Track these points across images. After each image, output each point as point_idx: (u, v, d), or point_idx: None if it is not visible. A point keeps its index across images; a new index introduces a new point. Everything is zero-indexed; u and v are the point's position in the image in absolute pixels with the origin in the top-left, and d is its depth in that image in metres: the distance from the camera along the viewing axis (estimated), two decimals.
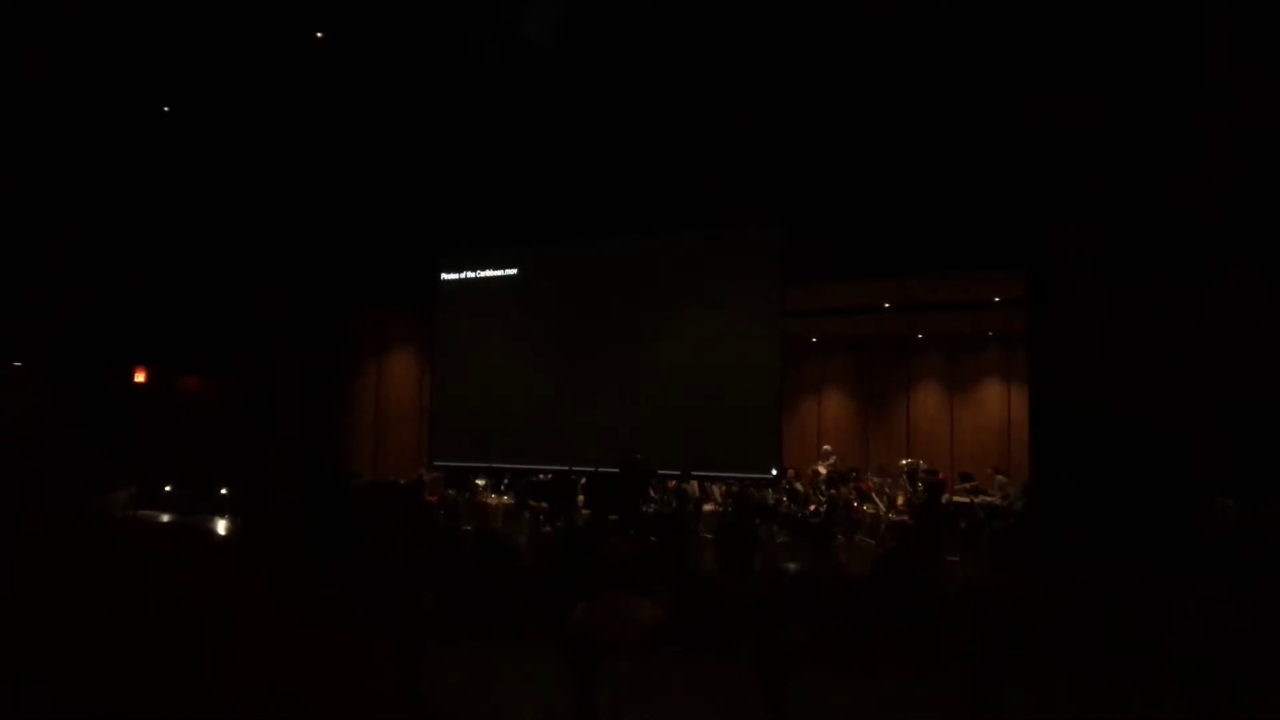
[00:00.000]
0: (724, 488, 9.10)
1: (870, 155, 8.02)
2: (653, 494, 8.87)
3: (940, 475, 9.31)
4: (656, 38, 7.56)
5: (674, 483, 8.99)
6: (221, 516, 7.93)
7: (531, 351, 9.89)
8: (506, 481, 9.66)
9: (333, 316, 10.92)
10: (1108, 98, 6.30)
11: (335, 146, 9.49)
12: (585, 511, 8.58)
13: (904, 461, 9.69)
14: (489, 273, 10.27)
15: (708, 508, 9.02)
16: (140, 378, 10.98)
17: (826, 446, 10.81)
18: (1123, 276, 6.41)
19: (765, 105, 8.08)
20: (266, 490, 8.66)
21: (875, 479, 9.53)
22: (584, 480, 8.88)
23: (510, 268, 10.20)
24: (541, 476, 9.29)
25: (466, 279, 10.44)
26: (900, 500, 9.00)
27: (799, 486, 9.26)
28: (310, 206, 10.17)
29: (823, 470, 9.94)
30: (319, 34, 7.55)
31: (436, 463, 10.27)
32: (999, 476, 9.32)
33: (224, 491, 8.78)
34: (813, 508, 8.92)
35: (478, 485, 9.65)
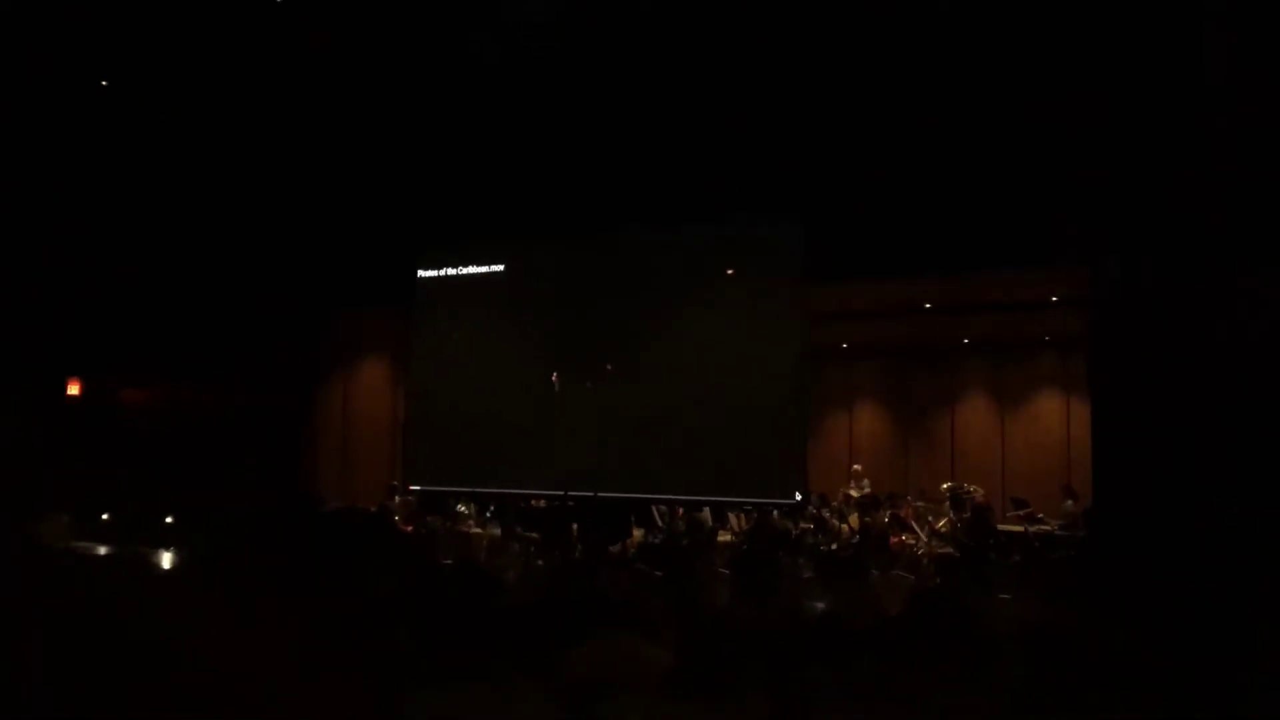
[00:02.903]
0: (741, 515, 9.17)
1: (903, 137, 8.08)
2: (659, 522, 8.93)
3: (989, 500, 9.40)
4: (659, 13, 7.70)
5: (683, 509, 9.02)
6: (168, 549, 7.95)
7: (521, 359, 9.96)
8: (492, 509, 9.75)
9: (298, 319, 11.03)
10: (1186, 71, 6.31)
11: (297, 129, 9.56)
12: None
13: (947, 485, 9.74)
14: (472, 270, 10.37)
15: (723, 538, 9.07)
16: (74, 390, 11.02)
17: (858, 467, 10.83)
18: (1201, 270, 6.36)
19: (782, 83, 8.16)
20: (222, 519, 8.67)
21: (914, 504, 9.57)
22: (581, 506, 8.96)
23: (497, 264, 10.30)
24: (533, 503, 9.32)
25: (447, 277, 10.53)
26: (943, 529, 9.05)
27: (826, 514, 9.35)
28: (270, 196, 10.25)
29: (854, 495, 9.97)
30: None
31: (412, 486, 10.31)
32: (1068, 501, 9.29)
33: (171, 520, 8.81)
34: (843, 538, 8.99)
35: (459, 513, 9.73)
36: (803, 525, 8.92)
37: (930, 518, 9.30)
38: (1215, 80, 6.07)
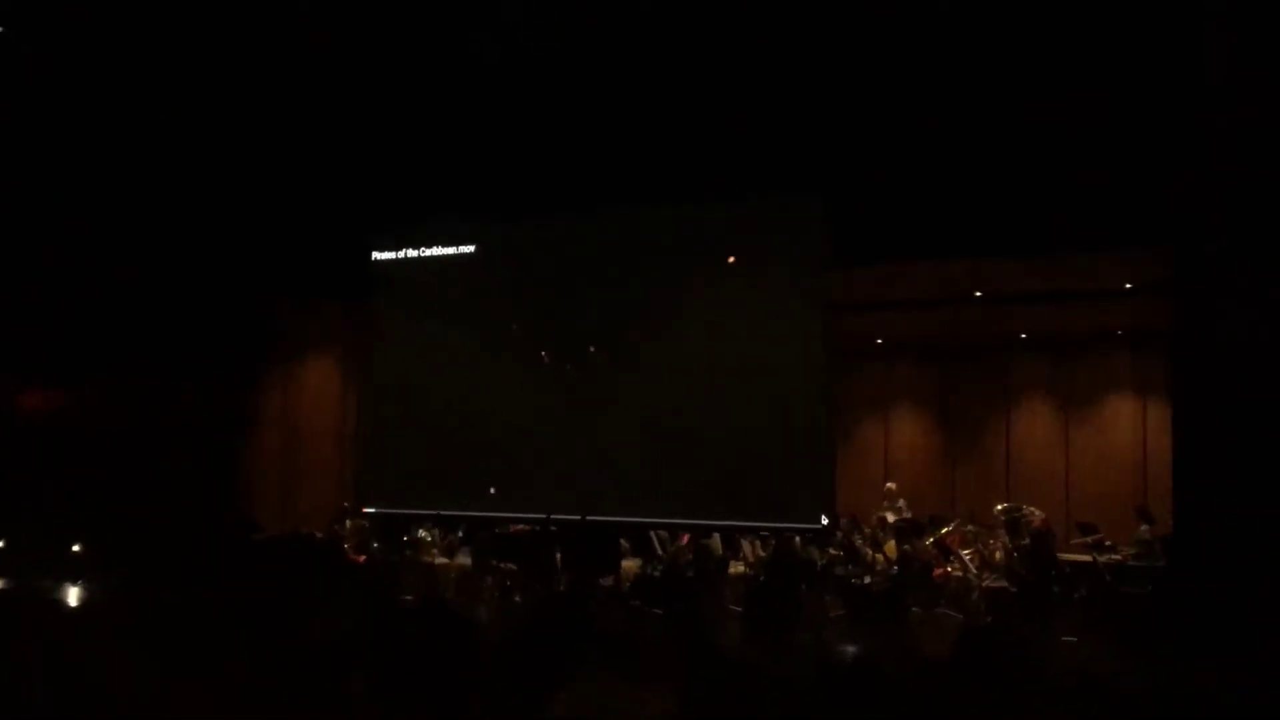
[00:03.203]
0: (757, 542, 9.24)
1: (946, 90, 8.05)
2: (659, 550, 8.97)
3: (1050, 524, 9.37)
4: None
5: (688, 535, 9.05)
6: (74, 584, 7.91)
7: (496, 358, 10.00)
8: (462, 535, 9.82)
9: (230, 310, 11.01)
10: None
11: (229, 90, 9.55)
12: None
13: (1001, 506, 9.70)
14: (439, 251, 10.43)
15: (735, 569, 9.10)
16: None
17: (893, 485, 10.83)
18: None
19: (802, 35, 8.15)
20: (140, 548, 8.64)
21: (962, 529, 9.57)
22: (566, 532, 8.98)
23: (467, 244, 10.35)
24: (510, 528, 9.35)
25: (408, 259, 10.58)
26: (997, 558, 9.08)
27: (858, 541, 9.35)
28: (195, 167, 10.22)
29: (890, 518, 9.93)
30: None
31: (367, 509, 10.35)
32: (1143, 525, 9.33)
33: (78, 550, 8.75)
34: (878, 569, 8.98)
35: (422, 540, 9.75)
36: (830, 554, 8.96)
37: (981, 545, 9.31)
38: None
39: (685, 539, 9.25)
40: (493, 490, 9.72)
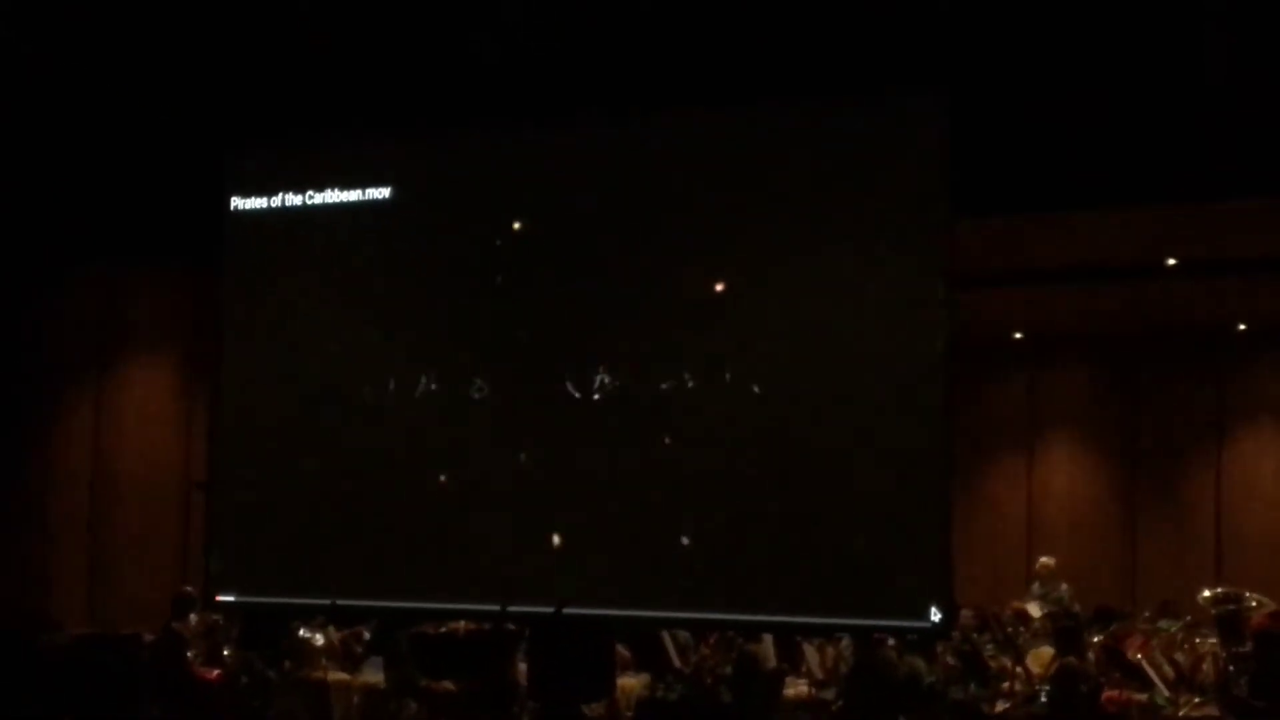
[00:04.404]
0: (829, 648, 9.26)
1: None
2: (675, 660, 9.03)
3: None
4: None
5: (715, 634, 9.02)
6: None
7: (424, 363, 9.94)
8: (369, 637, 9.79)
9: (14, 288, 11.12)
10: None
11: None
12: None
13: (1210, 593, 9.81)
14: (335, 196, 10.36)
15: (794, 690, 9.15)
16: None
17: (1047, 561, 10.85)
18: None
19: None
20: None
21: (1149, 629, 9.75)
22: (534, 632, 9.03)
23: (380, 185, 10.30)
24: (445, 627, 9.37)
25: (287, 209, 10.52)
26: (1204, 672, 9.25)
27: (989, 647, 9.48)
28: None
29: (1037, 611, 10.00)
30: None
31: (222, 597, 10.25)
32: None
33: None
34: (1020, 690, 9.03)
35: (307, 644, 9.74)
36: (946, 664, 8.94)
37: (1180, 654, 9.42)
38: None
39: (713, 640, 9.27)
40: (416, 567, 9.64)
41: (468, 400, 9.75)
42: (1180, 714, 8.76)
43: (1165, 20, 8.30)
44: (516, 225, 9.83)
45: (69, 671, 8.69)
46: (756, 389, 8.97)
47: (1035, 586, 10.76)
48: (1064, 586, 10.65)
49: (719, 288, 9.22)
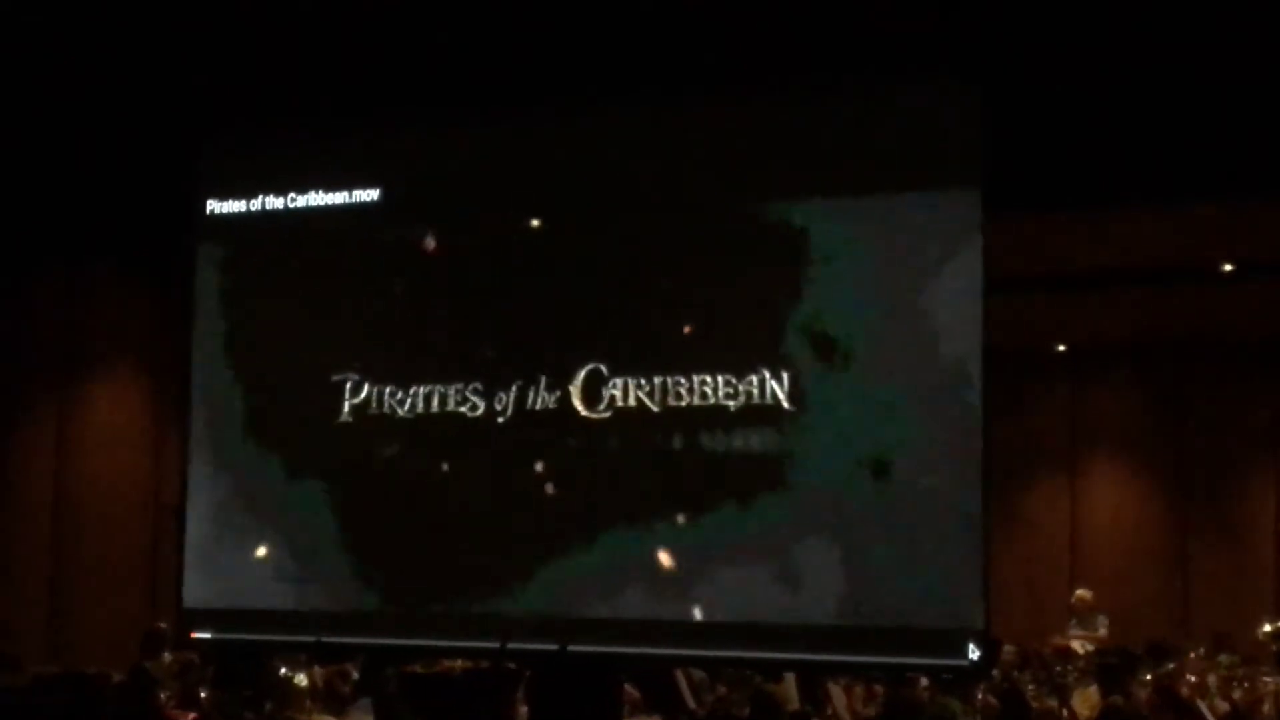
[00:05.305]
0: (856, 688, 9.60)
1: None
2: (690, 703, 9.32)
3: None
4: None
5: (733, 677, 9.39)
6: None
7: (416, 375, 9.85)
8: (357, 677, 10.06)
9: None
10: None
11: None
12: None
13: (1271, 626, 10.13)
14: (317, 198, 10.32)
15: None
16: None
17: (1086, 594, 11.00)
18: None
19: None
20: None
21: (1207, 664, 9.90)
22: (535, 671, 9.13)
23: (368, 186, 10.24)
24: (439, 666, 9.46)
25: (266, 212, 10.48)
26: (1267, 712, 9.39)
27: (1029, 685, 9.58)
28: None
29: (1080, 650, 10.24)
30: None
31: (197, 634, 10.19)
32: None
33: None
34: None
35: (289, 684, 9.86)
36: (984, 702, 9.17)
37: (1237, 692, 9.53)
38: None
39: (723, 690, 9.77)
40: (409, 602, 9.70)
41: (463, 419, 9.68)
42: None
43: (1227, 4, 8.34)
44: (534, 223, 9.80)
45: (28, 715, 8.61)
46: (788, 406, 8.87)
47: (1076, 620, 10.89)
48: (1102, 619, 10.75)
49: (721, 290, 9.19)
